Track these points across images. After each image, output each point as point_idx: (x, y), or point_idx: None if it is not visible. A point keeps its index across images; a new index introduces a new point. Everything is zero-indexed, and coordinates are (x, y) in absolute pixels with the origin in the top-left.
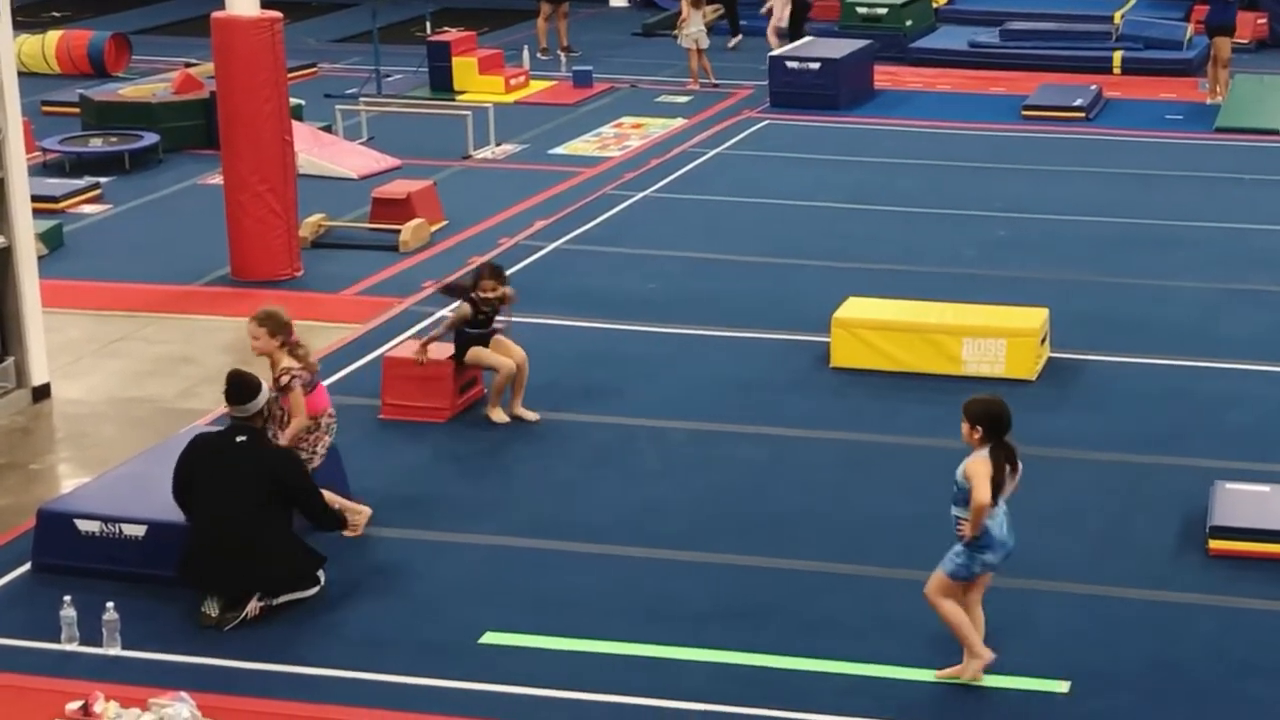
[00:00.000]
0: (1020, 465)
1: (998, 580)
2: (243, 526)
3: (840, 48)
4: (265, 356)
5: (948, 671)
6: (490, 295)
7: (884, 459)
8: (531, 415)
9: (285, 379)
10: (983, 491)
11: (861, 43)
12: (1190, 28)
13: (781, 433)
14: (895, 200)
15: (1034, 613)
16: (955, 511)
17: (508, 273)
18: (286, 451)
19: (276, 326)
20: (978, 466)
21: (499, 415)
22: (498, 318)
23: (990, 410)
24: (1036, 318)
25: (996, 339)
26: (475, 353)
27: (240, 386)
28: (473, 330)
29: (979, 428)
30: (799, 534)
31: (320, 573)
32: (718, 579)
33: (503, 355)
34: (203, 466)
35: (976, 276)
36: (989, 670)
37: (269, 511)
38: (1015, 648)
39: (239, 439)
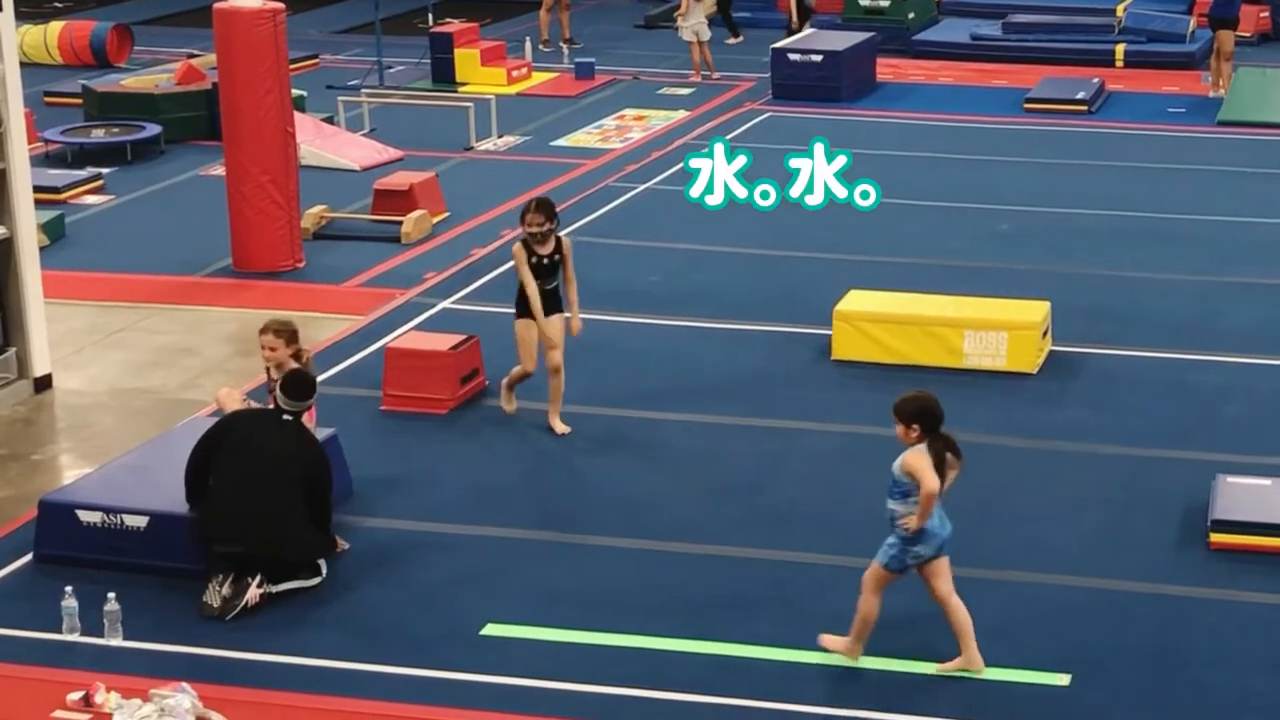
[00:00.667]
0: (961, 454)
1: (999, 573)
2: (269, 497)
3: (842, 40)
4: (274, 364)
5: (949, 665)
6: (535, 230)
7: (884, 452)
8: (562, 428)
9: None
10: (931, 480)
11: (864, 35)
12: (1193, 21)
13: (781, 425)
14: (897, 192)
15: (1035, 606)
16: (890, 505)
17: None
18: (323, 450)
19: (291, 336)
20: (918, 460)
21: (508, 405)
22: (560, 286)
23: (923, 406)
24: (1038, 311)
25: (998, 332)
26: (519, 329)
27: (302, 384)
28: (537, 281)
29: (915, 426)
30: (798, 526)
31: (321, 563)
32: (717, 571)
33: (537, 349)
34: (242, 435)
35: (978, 269)
36: (997, 663)
37: (296, 494)
38: (1015, 640)
39: (286, 417)
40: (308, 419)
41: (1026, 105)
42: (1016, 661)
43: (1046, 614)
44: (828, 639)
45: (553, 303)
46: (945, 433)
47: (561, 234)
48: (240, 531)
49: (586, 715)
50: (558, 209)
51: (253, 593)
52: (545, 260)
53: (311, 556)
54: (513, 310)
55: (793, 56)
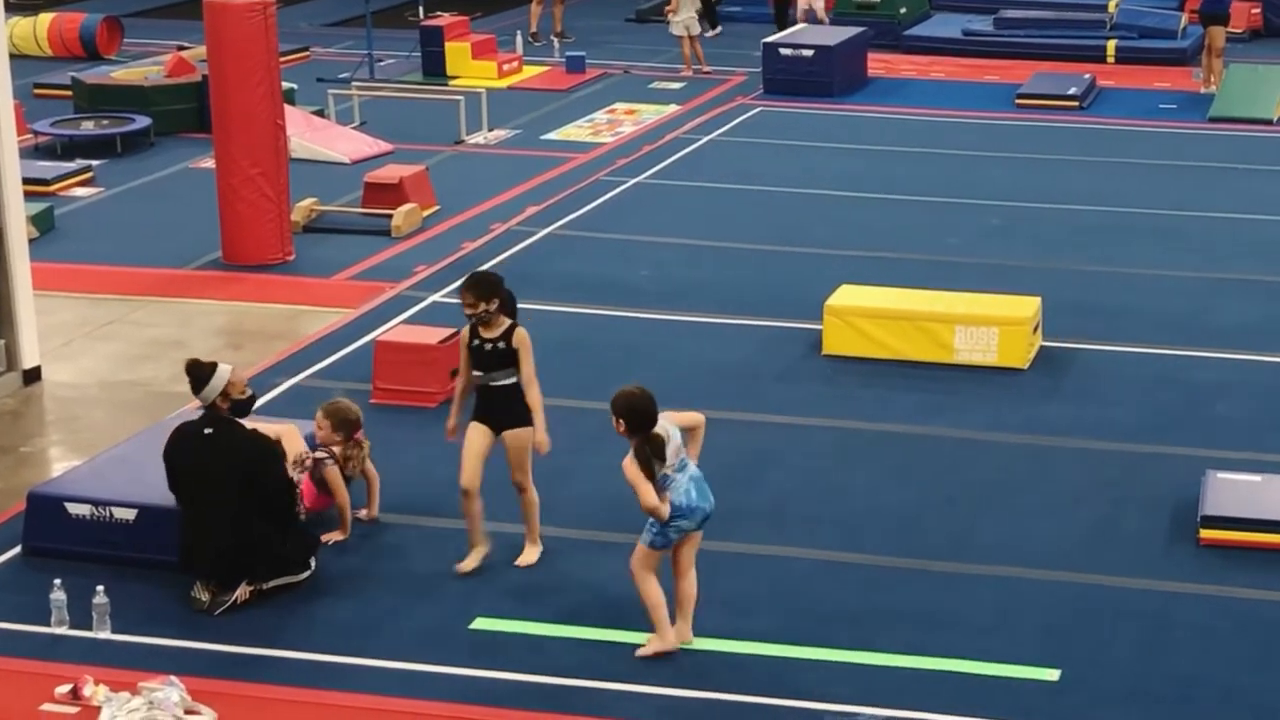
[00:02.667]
0: (667, 456)
1: (989, 568)
2: (223, 518)
3: (834, 35)
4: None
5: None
6: (470, 311)
7: (876, 447)
8: (529, 558)
9: (308, 462)
10: (648, 496)
11: (855, 30)
12: (1184, 17)
13: (772, 420)
14: (888, 188)
15: (1024, 601)
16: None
17: (495, 270)
18: (260, 443)
19: (339, 424)
20: (630, 470)
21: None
22: (505, 375)
23: (630, 404)
24: (1029, 306)
25: (989, 327)
26: (467, 432)
27: (192, 378)
28: (477, 373)
29: (621, 421)
30: (789, 522)
31: (311, 558)
32: (707, 567)
33: (480, 464)
34: (180, 458)
35: (969, 265)
36: (987, 658)
37: (248, 500)
38: (1005, 636)
39: (206, 430)
40: (289, 440)
41: (1018, 101)
42: (1006, 656)
43: (1036, 609)
44: (644, 649)
45: (503, 405)
46: (656, 434)
47: (519, 325)
48: (213, 569)
49: (576, 710)
50: (541, 207)
51: (242, 590)
52: (489, 346)
53: (289, 562)
54: None
55: (784, 51)
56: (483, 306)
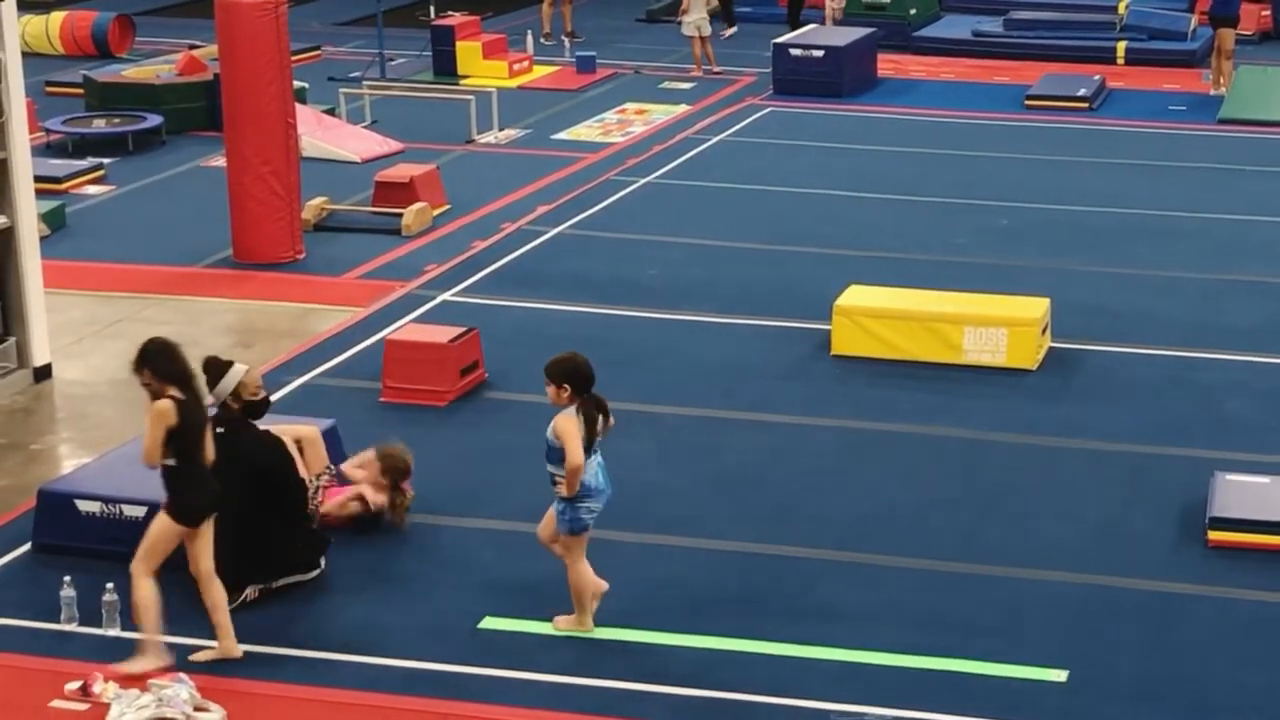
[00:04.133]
0: (612, 416)
1: (997, 569)
2: (228, 517)
3: (844, 35)
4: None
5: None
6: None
7: (883, 447)
8: None
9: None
10: (576, 454)
11: (865, 31)
12: (1194, 19)
13: (781, 420)
14: (898, 188)
15: (1032, 602)
16: (550, 469)
17: (505, 262)
18: (269, 443)
19: (389, 469)
20: (567, 426)
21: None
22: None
23: (573, 367)
24: (1038, 307)
25: (997, 328)
26: None
27: (207, 375)
28: None
29: (565, 386)
30: (797, 521)
31: (321, 557)
32: (715, 565)
33: None
34: None
35: (978, 265)
36: (995, 658)
37: (255, 501)
38: (1013, 636)
39: (217, 430)
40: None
41: (1027, 102)
42: (1014, 657)
43: (1044, 610)
44: (559, 620)
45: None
46: (596, 394)
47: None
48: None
49: (585, 710)
50: (551, 207)
51: (250, 589)
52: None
53: (296, 563)
54: (513, 303)
55: (794, 52)
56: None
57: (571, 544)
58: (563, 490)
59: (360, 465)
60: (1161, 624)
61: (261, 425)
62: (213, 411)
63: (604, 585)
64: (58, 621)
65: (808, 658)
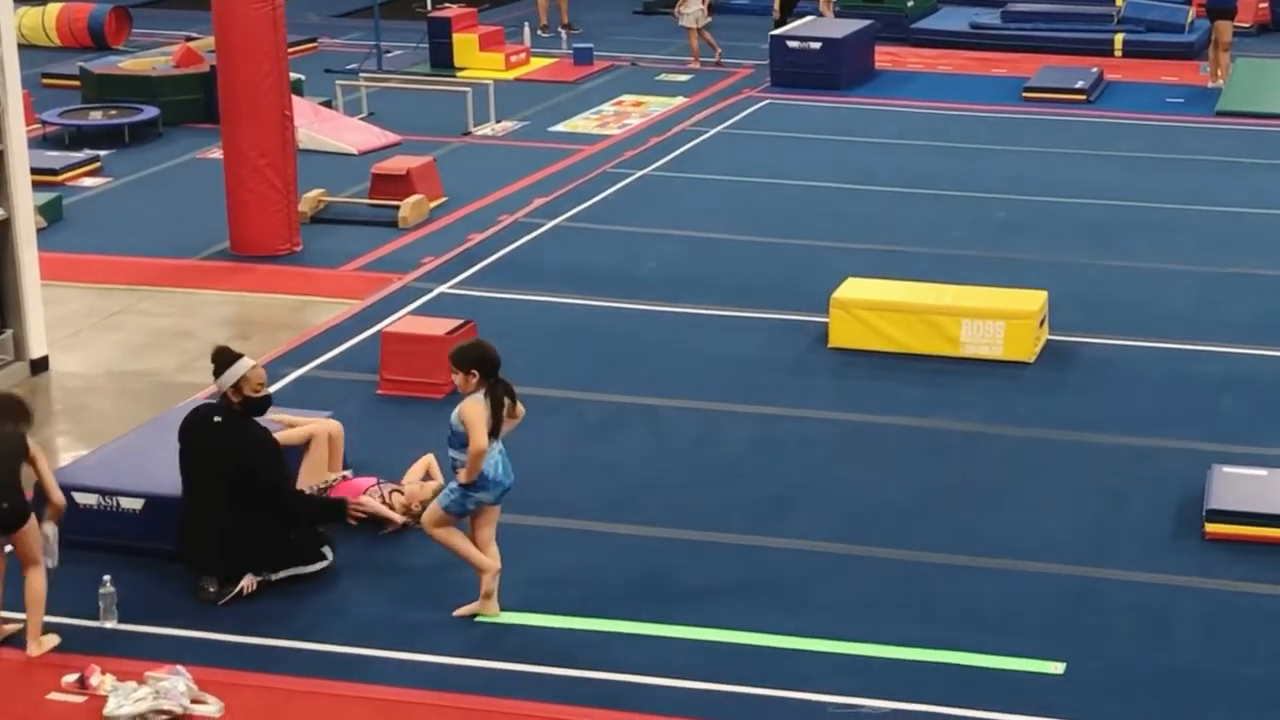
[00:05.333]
0: (519, 402)
1: (994, 561)
2: (220, 511)
3: (842, 27)
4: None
5: (465, 609)
6: None
7: (881, 439)
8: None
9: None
10: (480, 437)
11: (863, 23)
12: (1192, 11)
13: (778, 412)
14: (895, 181)
15: (1029, 594)
16: (452, 454)
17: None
18: (260, 439)
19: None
20: (474, 411)
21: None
22: None
23: (479, 353)
24: (1035, 300)
25: (995, 321)
26: None
27: (214, 363)
28: None
29: (474, 372)
30: (794, 514)
31: (327, 549)
32: (712, 557)
33: None
34: (189, 438)
35: (975, 258)
36: (992, 650)
37: (240, 498)
38: (1010, 628)
39: (215, 419)
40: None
41: (1025, 94)
42: (1011, 649)
43: (1041, 602)
44: (461, 610)
45: None
46: (503, 378)
47: None
48: (210, 562)
49: (583, 702)
50: (548, 199)
51: (248, 581)
52: None
53: (294, 554)
54: (511, 295)
55: (791, 44)
56: None
57: (440, 517)
58: (462, 476)
59: (413, 481)
60: (1159, 616)
61: (290, 415)
62: (217, 400)
63: (496, 565)
64: (56, 613)
65: (805, 650)
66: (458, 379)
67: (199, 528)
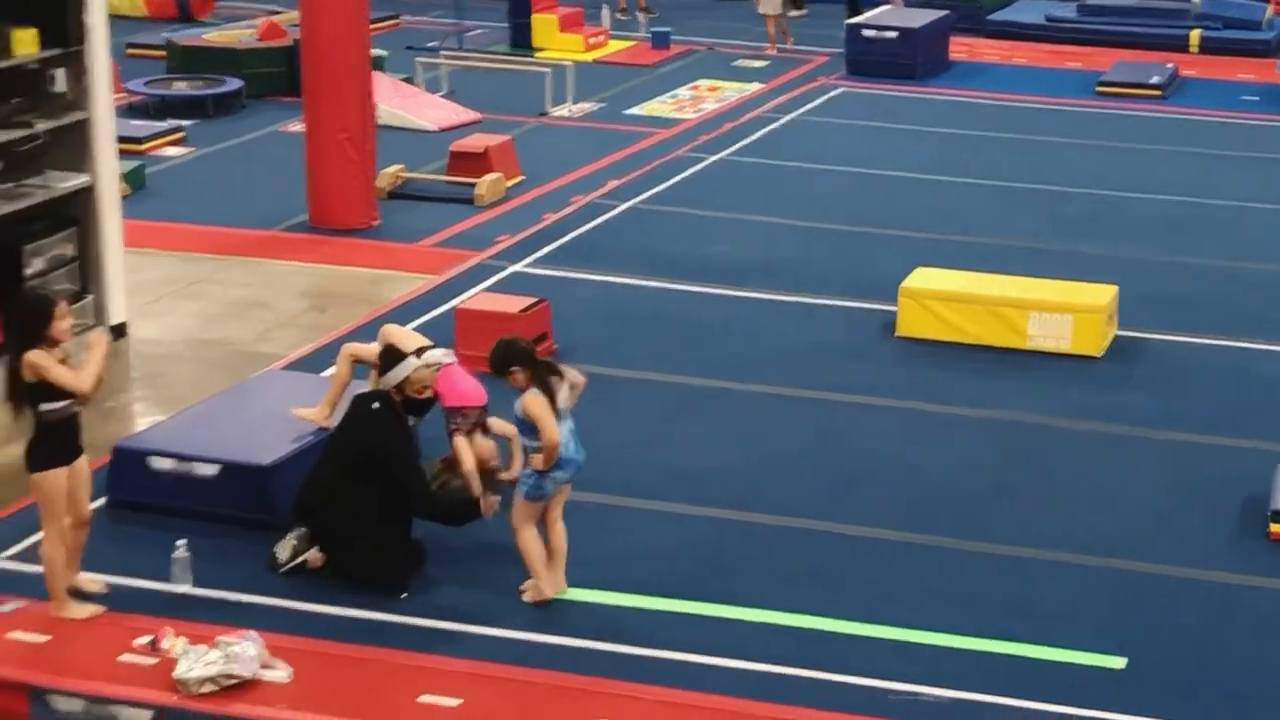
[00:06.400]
0: (565, 373)
1: (1057, 554)
2: (330, 476)
3: (918, 18)
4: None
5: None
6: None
7: (946, 429)
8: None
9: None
10: (551, 430)
11: (939, 13)
12: (1270, 8)
13: (845, 399)
14: (967, 172)
15: (1091, 588)
16: (524, 441)
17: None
18: (398, 438)
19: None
20: (536, 404)
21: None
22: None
23: (509, 350)
24: (1104, 294)
25: (1063, 314)
26: None
27: (382, 361)
28: None
29: (514, 370)
30: (860, 500)
31: (407, 578)
32: (779, 541)
33: None
34: (346, 414)
35: (1045, 251)
36: (1053, 643)
37: (360, 487)
38: (1071, 621)
39: (374, 404)
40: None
41: (1099, 88)
42: (1072, 642)
43: (1104, 597)
44: (527, 593)
45: None
46: (544, 360)
47: None
48: (300, 507)
49: (649, 679)
50: (622, 181)
51: (314, 554)
52: None
53: (376, 578)
54: (583, 276)
55: (867, 33)
56: None
57: (523, 509)
58: (538, 463)
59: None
60: (1220, 614)
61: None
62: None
63: (563, 544)
64: (128, 576)
65: (867, 636)
66: (511, 380)
67: (314, 489)
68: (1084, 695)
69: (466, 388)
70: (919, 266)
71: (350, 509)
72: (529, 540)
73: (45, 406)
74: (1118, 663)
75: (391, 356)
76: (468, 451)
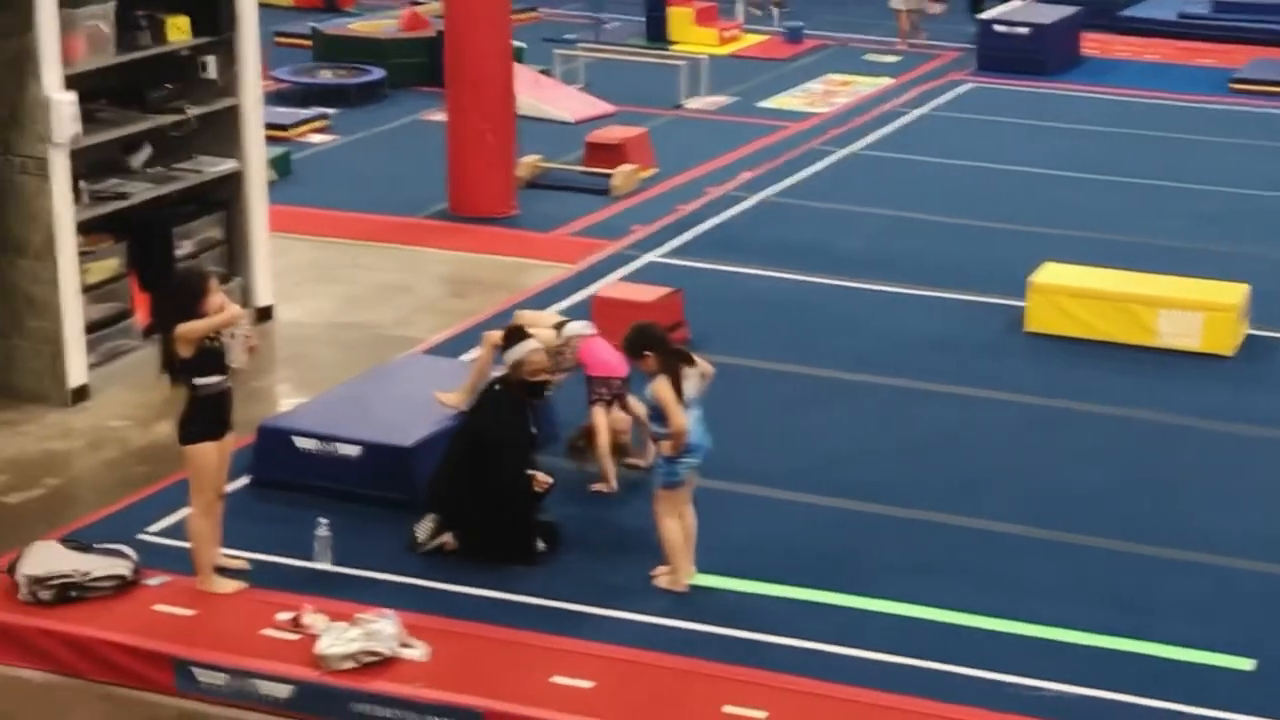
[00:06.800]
0: (697, 360)
1: (1184, 554)
2: (455, 459)
3: (1049, 13)
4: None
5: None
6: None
7: (1074, 426)
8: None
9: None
10: (678, 417)
11: (1071, 9)
12: None
13: (973, 393)
14: (1097, 168)
15: (1220, 588)
16: (653, 428)
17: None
18: (504, 420)
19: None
20: (665, 390)
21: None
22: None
23: (643, 335)
24: (1236, 293)
25: (1193, 312)
26: None
27: (504, 339)
28: None
29: (647, 354)
30: (985, 495)
31: (536, 545)
32: (903, 533)
33: None
34: (476, 397)
35: (1176, 248)
36: (1181, 642)
37: (480, 467)
38: (1199, 621)
39: (496, 386)
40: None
41: (1233, 85)
42: (1201, 642)
43: (1233, 598)
44: (660, 578)
45: None
46: (678, 347)
47: None
48: (433, 499)
49: (770, 666)
50: (755, 173)
51: (448, 538)
52: None
53: (500, 548)
54: (715, 266)
55: (999, 28)
56: None
57: (664, 497)
58: (666, 448)
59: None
60: None
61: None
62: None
63: (692, 529)
64: (271, 553)
65: (989, 630)
66: (641, 365)
67: (442, 469)
68: (1210, 696)
69: (610, 359)
70: (1048, 262)
71: (475, 489)
72: (671, 529)
73: (200, 381)
74: (1246, 664)
75: (512, 338)
76: (604, 427)
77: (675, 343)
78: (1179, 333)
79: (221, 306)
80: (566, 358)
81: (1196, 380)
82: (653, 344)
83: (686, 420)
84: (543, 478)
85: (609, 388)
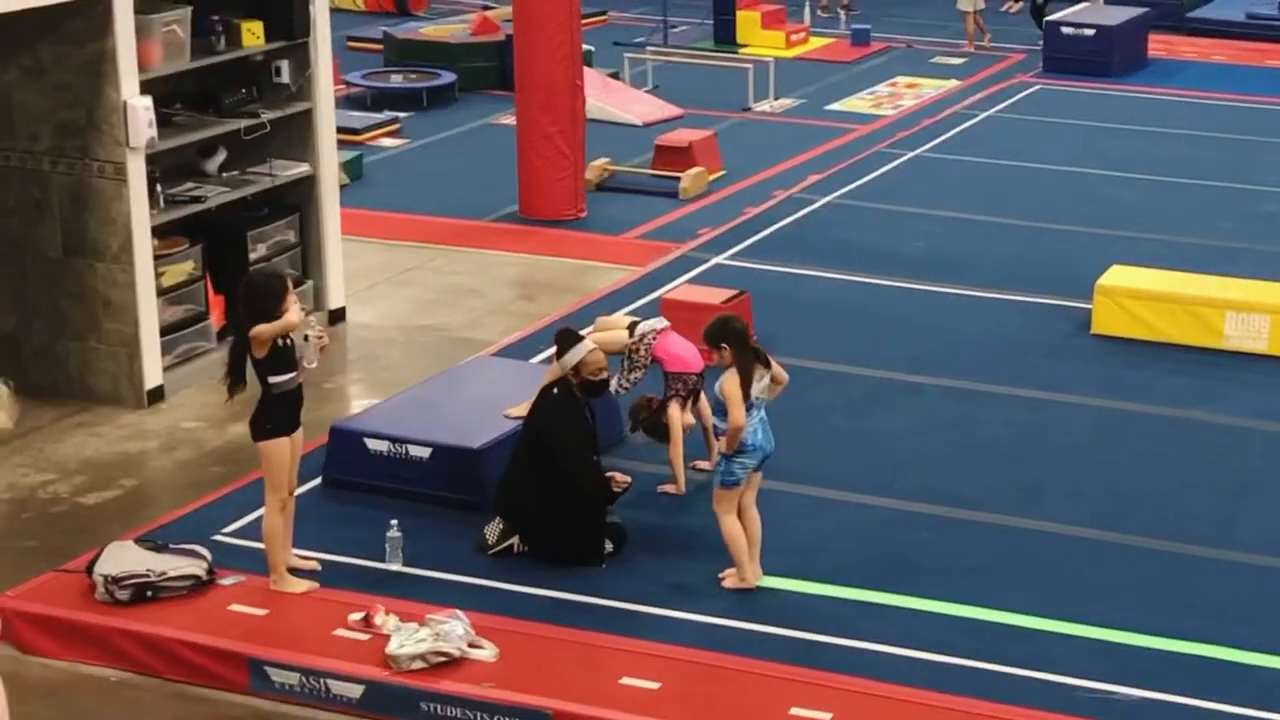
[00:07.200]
0: (773, 364)
1: (1250, 557)
2: (517, 461)
3: (1116, 15)
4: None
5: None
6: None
7: (1140, 428)
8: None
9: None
10: (737, 414)
11: (1137, 11)
12: None
13: (1038, 396)
14: (1164, 170)
15: None
16: (715, 421)
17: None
18: (566, 424)
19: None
20: (732, 388)
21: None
22: None
23: (725, 327)
24: None
25: (1261, 314)
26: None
27: (558, 344)
28: None
29: (723, 346)
30: (1050, 497)
31: (605, 548)
32: (966, 535)
33: None
34: (534, 400)
35: (1243, 251)
36: (1243, 646)
37: (543, 470)
38: (1263, 625)
39: (554, 389)
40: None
41: None
42: (1265, 646)
43: None
44: (727, 580)
45: None
46: (756, 346)
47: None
48: (499, 503)
49: (832, 667)
50: (822, 176)
51: (517, 540)
52: None
53: (566, 549)
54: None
55: (1066, 30)
56: None
57: (722, 497)
58: (722, 446)
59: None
60: None
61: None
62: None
63: (757, 531)
64: (343, 554)
65: (1054, 632)
66: (714, 356)
67: (508, 473)
68: (1274, 700)
69: (684, 353)
70: (1115, 264)
71: (540, 491)
72: (732, 528)
73: (273, 379)
74: None
75: (565, 340)
76: (679, 425)
77: (754, 342)
78: (1246, 335)
79: (297, 309)
80: (641, 355)
81: (1263, 383)
82: (731, 338)
83: (746, 419)
84: (621, 478)
85: (685, 383)
